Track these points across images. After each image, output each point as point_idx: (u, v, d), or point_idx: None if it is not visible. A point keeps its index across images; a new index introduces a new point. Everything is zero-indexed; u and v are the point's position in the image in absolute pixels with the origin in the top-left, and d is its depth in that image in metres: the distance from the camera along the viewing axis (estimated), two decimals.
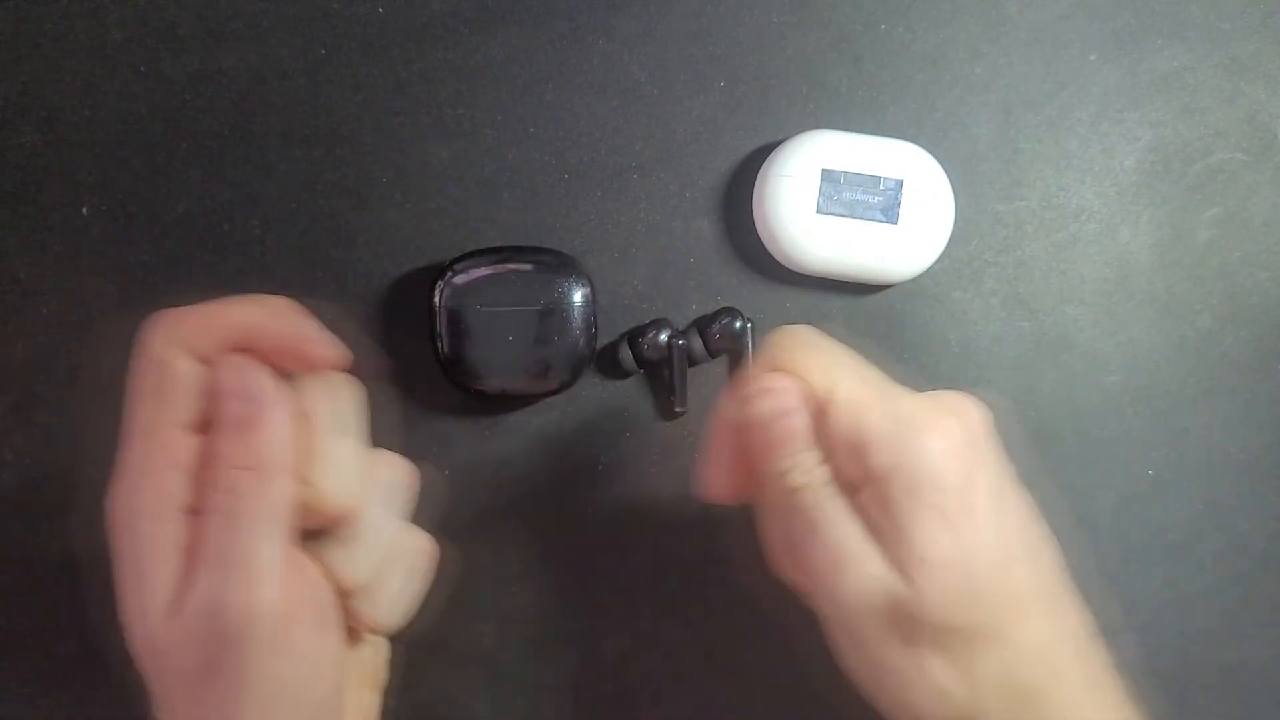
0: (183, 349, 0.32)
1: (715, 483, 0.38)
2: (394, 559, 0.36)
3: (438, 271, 0.44)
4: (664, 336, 0.45)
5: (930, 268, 0.45)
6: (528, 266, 0.44)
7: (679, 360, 0.45)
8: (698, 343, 0.45)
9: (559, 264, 0.44)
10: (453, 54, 0.45)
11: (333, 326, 0.33)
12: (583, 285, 0.44)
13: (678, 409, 0.45)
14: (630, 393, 0.46)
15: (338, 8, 0.45)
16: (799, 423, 0.35)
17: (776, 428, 0.35)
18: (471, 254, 0.44)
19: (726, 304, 0.46)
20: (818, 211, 0.44)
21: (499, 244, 0.45)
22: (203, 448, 0.32)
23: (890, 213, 0.44)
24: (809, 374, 0.35)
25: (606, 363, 0.46)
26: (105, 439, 0.45)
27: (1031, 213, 0.46)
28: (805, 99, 0.46)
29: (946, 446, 0.33)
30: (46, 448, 0.45)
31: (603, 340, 0.45)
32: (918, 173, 0.44)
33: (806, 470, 0.35)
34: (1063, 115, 0.46)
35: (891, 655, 0.33)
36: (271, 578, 0.31)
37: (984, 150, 0.46)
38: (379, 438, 0.35)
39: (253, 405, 0.31)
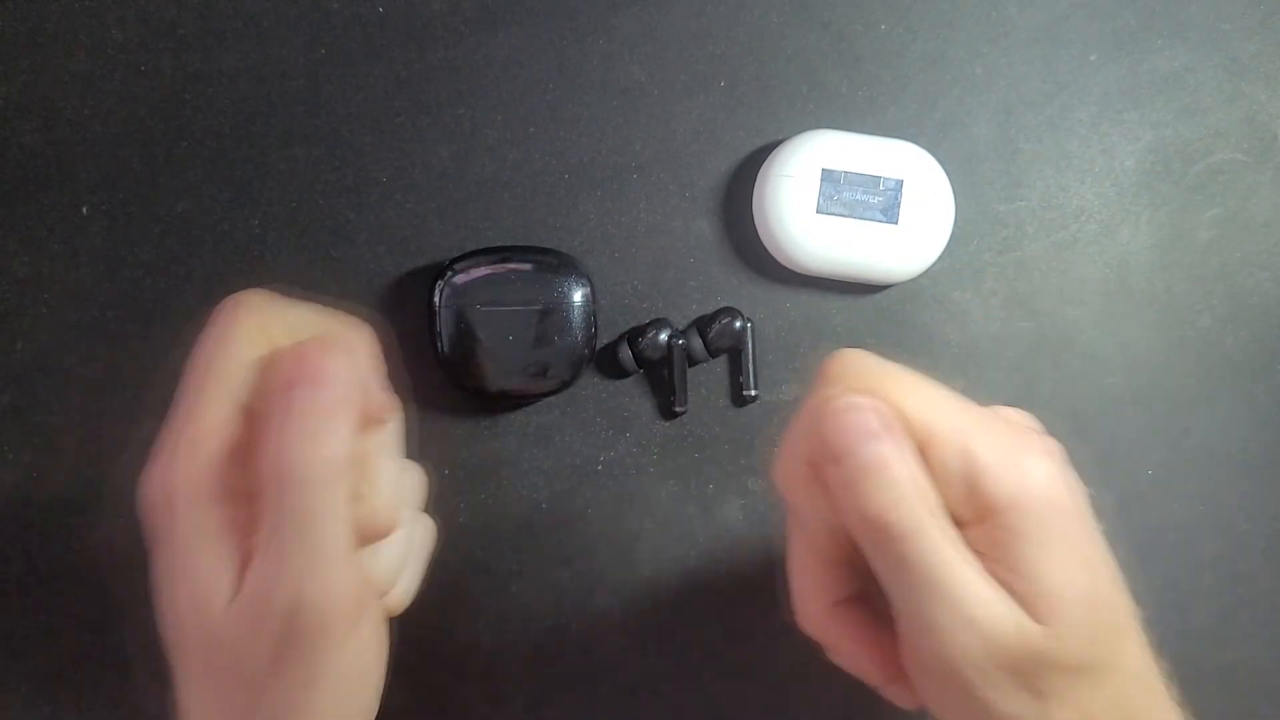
0: (258, 336, 0.31)
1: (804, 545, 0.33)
2: (411, 552, 0.36)
3: (438, 271, 0.44)
4: (664, 336, 0.45)
5: (930, 268, 0.45)
6: (527, 266, 0.44)
7: (679, 360, 0.45)
8: (697, 342, 0.45)
9: (559, 264, 0.44)
10: (453, 54, 0.45)
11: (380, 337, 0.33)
12: (582, 285, 0.44)
13: (677, 409, 0.45)
14: (630, 392, 0.46)
15: (338, 8, 0.45)
16: (902, 453, 0.29)
17: (867, 455, 0.29)
18: (471, 254, 0.44)
19: (726, 304, 0.46)
20: (818, 211, 0.44)
21: (499, 244, 0.45)
22: (255, 434, 0.30)
23: (890, 213, 0.44)
24: (892, 398, 0.30)
25: (606, 362, 0.46)
26: (104, 439, 0.46)
27: (1031, 213, 0.46)
28: (805, 99, 0.46)
29: (1054, 469, 0.30)
30: (45, 447, 0.45)
31: (602, 340, 0.45)
32: (918, 173, 0.44)
33: (919, 513, 0.29)
34: (1063, 115, 0.46)
35: (1013, 706, 0.30)
36: (347, 571, 0.30)
37: (984, 150, 0.46)
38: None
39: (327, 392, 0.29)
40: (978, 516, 0.29)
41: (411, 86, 0.45)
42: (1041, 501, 0.29)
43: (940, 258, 0.45)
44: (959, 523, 0.30)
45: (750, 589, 0.46)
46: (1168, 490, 0.46)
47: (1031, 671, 0.29)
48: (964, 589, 0.29)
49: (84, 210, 0.45)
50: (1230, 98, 0.46)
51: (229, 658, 0.30)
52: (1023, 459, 0.29)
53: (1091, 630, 0.30)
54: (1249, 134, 0.46)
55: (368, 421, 0.32)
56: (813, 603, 0.33)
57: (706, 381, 0.46)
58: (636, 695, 0.46)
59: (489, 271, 0.43)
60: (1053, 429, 0.37)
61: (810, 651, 0.46)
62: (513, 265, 0.44)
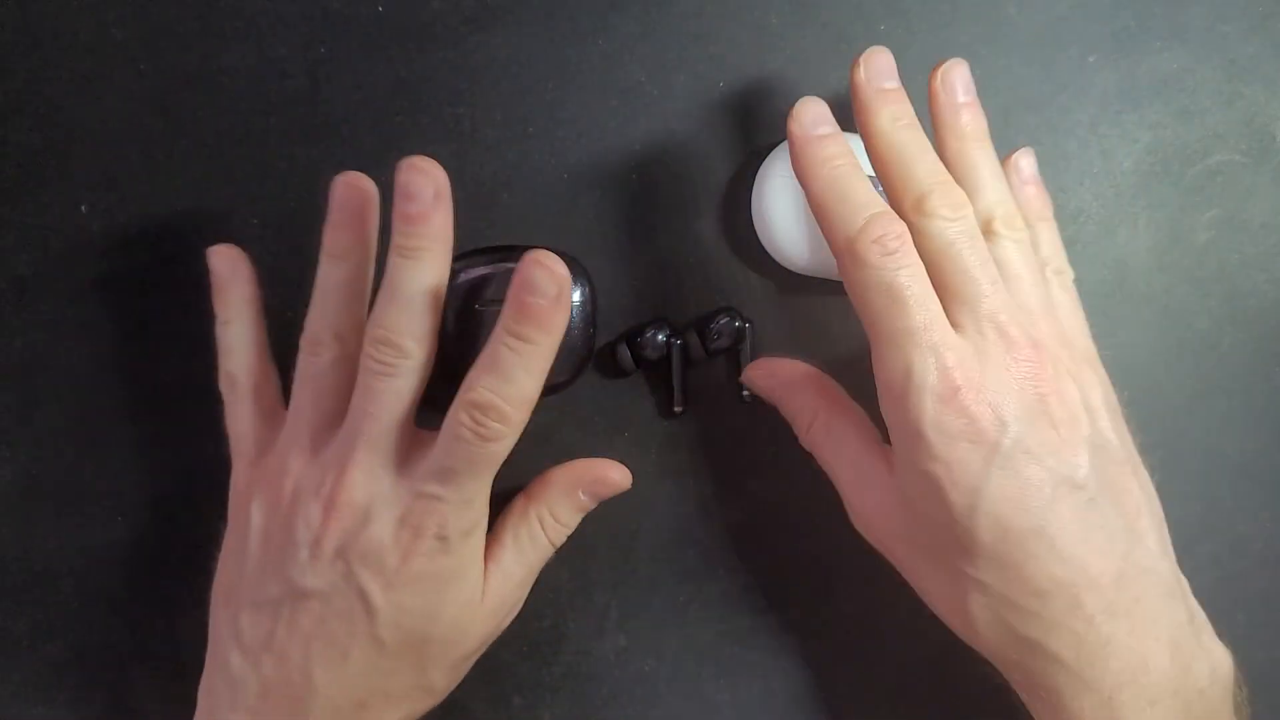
0: None
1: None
2: None
3: None
4: (662, 336, 0.45)
5: None
6: None
7: (677, 360, 0.45)
8: (696, 342, 0.45)
9: None
10: (453, 53, 0.45)
11: None
12: (581, 285, 0.44)
13: (676, 408, 0.45)
14: (629, 392, 0.46)
15: (338, 6, 0.45)
16: (783, 402, 0.43)
17: (781, 409, 0.43)
18: (471, 253, 0.44)
19: (725, 304, 0.46)
20: None
21: (498, 243, 0.45)
22: None
23: None
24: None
25: (605, 362, 0.46)
26: (103, 437, 0.46)
27: None
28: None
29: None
30: (44, 445, 0.45)
31: (601, 340, 0.45)
32: None
33: (805, 437, 0.42)
34: (1061, 117, 0.46)
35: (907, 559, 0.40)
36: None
37: None
38: None
39: None
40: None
41: (411, 86, 0.45)
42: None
43: None
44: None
45: (749, 589, 0.46)
46: (1166, 491, 0.46)
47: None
48: (849, 478, 0.41)
49: (83, 208, 0.45)
50: (1229, 99, 0.46)
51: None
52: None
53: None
54: (1247, 136, 0.46)
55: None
56: None
57: (705, 381, 0.46)
58: (635, 696, 0.46)
59: (488, 271, 0.43)
60: None
61: (807, 652, 0.46)
62: (511, 264, 0.43)
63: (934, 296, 0.36)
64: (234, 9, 0.45)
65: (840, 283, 0.45)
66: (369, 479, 0.38)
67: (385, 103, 0.45)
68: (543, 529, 0.42)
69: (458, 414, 0.37)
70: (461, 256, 0.44)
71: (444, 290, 0.39)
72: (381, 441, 0.38)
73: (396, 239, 0.38)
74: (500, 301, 0.43)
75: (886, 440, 0.39)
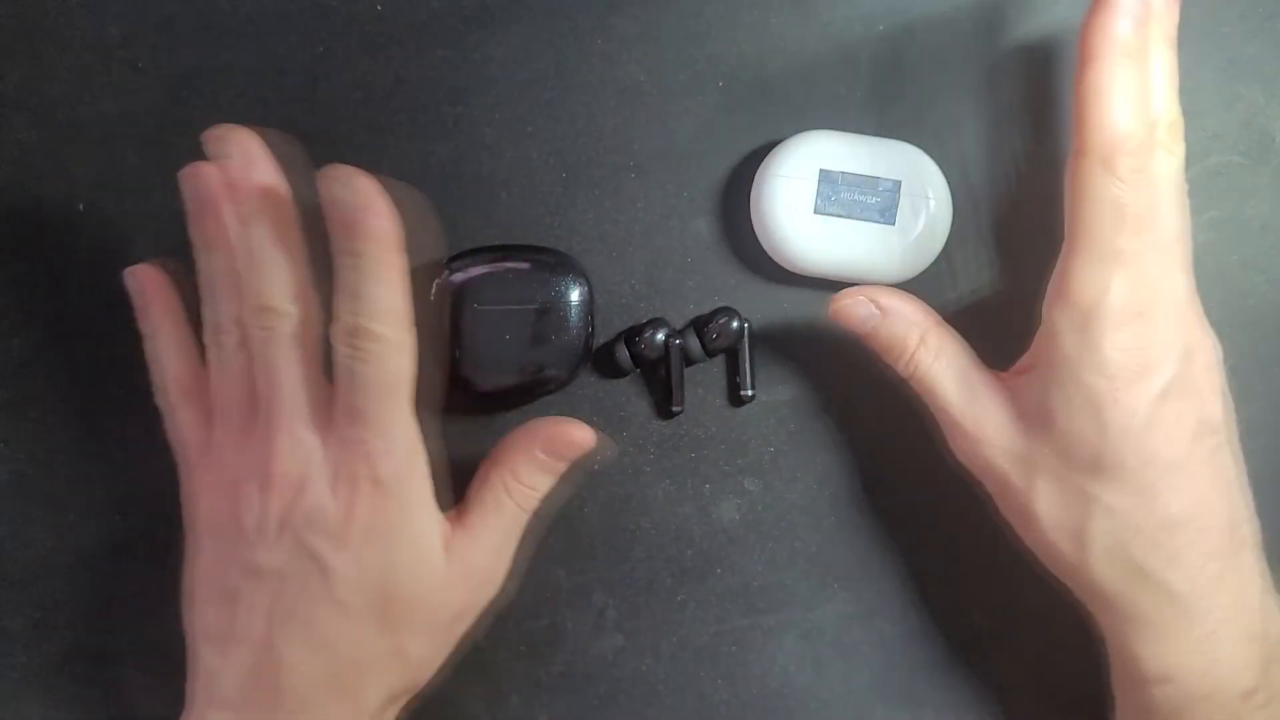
0: None
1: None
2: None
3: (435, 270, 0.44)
4: (661, 336, 0.45)
5: (927, 269, 0.45)
6: (525, 265, 0.44)
7: (676, 360, 0.45)
8: (694, 342, 0.45)
9: (556, 263, 0.44)
10: (452, 52, 0.45)
11: None
12: (580, 284, 0.44)
13: (674, 408, 0.45)
14: (627, 392, 0.46)
15: (336, 5, 0.45)
16: (885, 326, 0.41)
17: (878, 336, 0.41)
18: (468, 252, 0.44)
19: (723, 304, 0.46)
20: (815, 212, 0.44)
21: (496, 243, 0.45)
22: None
23: (887, 214, 0.44)
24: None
25: (603, 362, 0.46)
26: (100, 435, 0.46)
27: (1029, 214, 0.46)
28: (804, 99, 0.46)
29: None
30: (41, 444, 0.45)
31: (600, 339, 0.45)
32: (915, 174, 0.44)
33: (909, 361, 0.41)
34: (1061, 117, 0.46)
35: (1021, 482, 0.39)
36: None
37: (981, 152, 0.46)
38: None
39: None
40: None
41: (409, 85, 0.45)
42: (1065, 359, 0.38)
43: (937, 259, 0.45)
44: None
45: (747, 589, 0.46)
46: None
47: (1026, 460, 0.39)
48: (947, 407, 0.41)
49: (80, 207, 0.45)
50: (1228, 100, 0.46)
51: None
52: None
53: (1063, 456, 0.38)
54: (1246, 136, 0.46)
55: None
56: None
57: (703, 381, 0.46)
58: (632, 695, 0.46)
59: (486, 270, 0.43)
60: None
61: (806, 651, 0.46)
62: (510, 264, 0.44)
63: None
64: (233, 6, 0.45)
65: (837, 282, 0.45)
66: (295, 445, 0.38)
67: (385, 102, 0.45)
68: (507, 492, 0.41)
69: (336, 348, 0.37)
70: (460, 256, 0.44)
71: (298, 241, 0.39)
72: (296, 405, 0.38)
73: (238, 210, 0.39)
74: (500, 301, 0.43)
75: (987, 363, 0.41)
